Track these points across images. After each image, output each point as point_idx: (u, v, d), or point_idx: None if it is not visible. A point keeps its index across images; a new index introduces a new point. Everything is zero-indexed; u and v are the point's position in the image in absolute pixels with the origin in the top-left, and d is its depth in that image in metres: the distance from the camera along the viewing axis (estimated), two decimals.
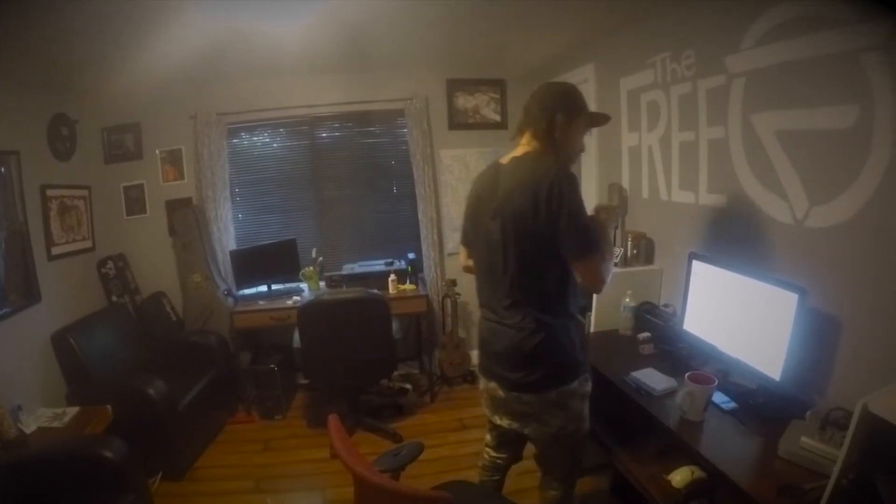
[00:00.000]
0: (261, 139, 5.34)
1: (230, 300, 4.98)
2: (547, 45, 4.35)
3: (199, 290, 4.96)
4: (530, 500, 3.29)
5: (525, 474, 3.61)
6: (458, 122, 5.29)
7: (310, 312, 4.06)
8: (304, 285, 5.15)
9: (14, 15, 2.66)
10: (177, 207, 5.16)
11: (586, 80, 4.23)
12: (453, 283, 5.03)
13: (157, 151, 5.10)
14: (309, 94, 5.01)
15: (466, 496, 2.56)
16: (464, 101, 5.24)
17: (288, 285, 5.18)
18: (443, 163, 5.23)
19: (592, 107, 4.15)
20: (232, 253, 5.07)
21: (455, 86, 5.21)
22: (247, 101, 4.99)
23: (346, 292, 4.18)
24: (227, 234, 5.18)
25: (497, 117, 5.31)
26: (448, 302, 5.07)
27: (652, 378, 2.61)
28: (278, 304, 4.81)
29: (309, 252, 5.23)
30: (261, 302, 4.90)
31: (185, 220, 4.99)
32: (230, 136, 5.11)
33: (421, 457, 2.40)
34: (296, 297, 4.85)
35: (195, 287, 4.96)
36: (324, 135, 5.31)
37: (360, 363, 4.09)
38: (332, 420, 2.13)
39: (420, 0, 3.16)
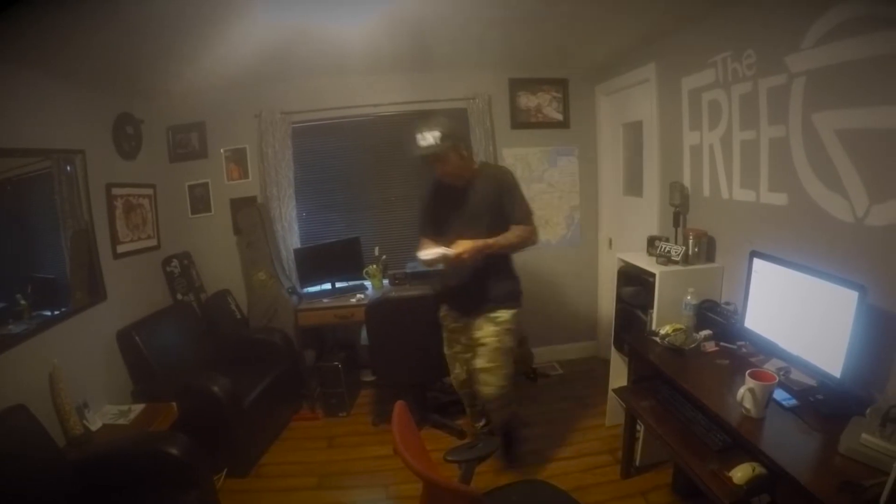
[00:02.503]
0: (325, 138, 5.39)
1: (294, 298, 5.06)
2: (608, 44, 4.38)
3: (264, 287, 5.02)
4: (592, 497, 3.36)
5: (587, 472, 3.67)
6: (521, 121, 5.34)
7: (378, 310, 4.16)
8: (367, 283, 5.23)
9: (79, 15, 2.71)
10: (241, 206, 5.20)
11: (647, 80, 4.25)
12: None
13: (221, 150, 5.20)
14: (372, 94, 5.09)
15: (538, 497, 2.60)
16: (526, 101, 5.29)
17: (351, 283, 5.27)
18: (505, 161, 5.26)
19: (654, 106, 4.21)
20: (296, 251, 5.21)
21: (517, 85, 5.26)
22: (311, 101, 5.07)
23: (414, 290, 4.23)
24: (291, 232, 5.26)
25: (559, 116, 5.34)
26: None
27: None
28: (342, 301, 4.91)
29: (371, 250, 5.31)
30: (325, 300, 5.01)
31: (250, 218, 5.05)
32: (294, 135, 5.18)
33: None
34: (359, 295, 4.94)
35: (260, 285, 5.03)
36: (387, 134, 5.33)
37: (426, 360, 4.15)
38: (399, 406, 2.21)
39: (479, 2, 3.22)
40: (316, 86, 5.04)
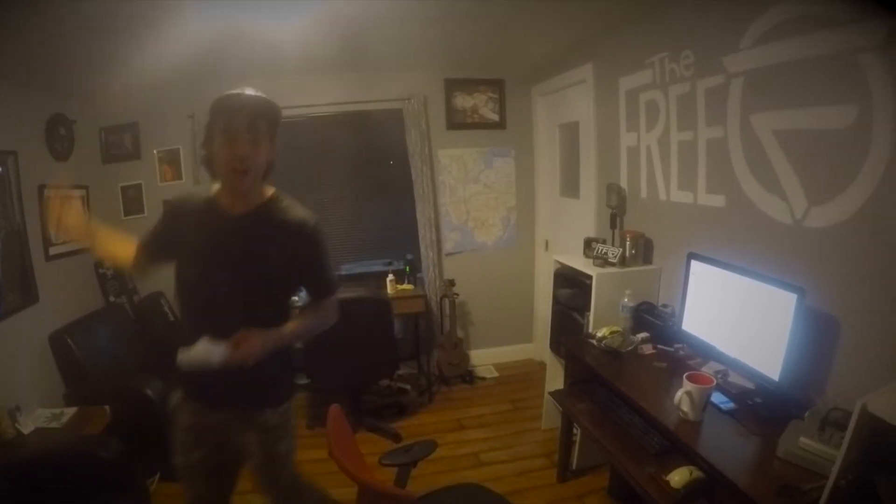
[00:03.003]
0: None
1: None
2: (545, 44, 4.34)
3: None
4: (528, 501, 3.32)
5: (522, 475, 3.64)
6: (457, 121, 5.26)
7: None
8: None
9: (10, 14, 2.65)
10: None
11: (584, 80, 4.24)
12: (452, 283, 5.03)
13: (155, 151, 5.06)
14: (306, 95, 4.96)
15: (473, 500, 2.57)
16: (462, 101, 5.22)
17: None
18: (441, 163, 5.21)
19: (591, 106, 4.18)
20: None
21: (453, 85, 5.19)
22: None
23: (349, 291, 4.15)
24: None
25: (495, 117, 5.29)
26: (446, 302, 5.07)
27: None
28: None
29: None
30: None
31: None
32: None
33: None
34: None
35: None
36: (321, 135, 5.23)
37: (362, 363, 4.08)
38: (334, 409, 2.14)
39: (417, 1, 3.15)
40: (249, 86, 4.85)
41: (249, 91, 1.92)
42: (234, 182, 1.91)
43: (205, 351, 1.88)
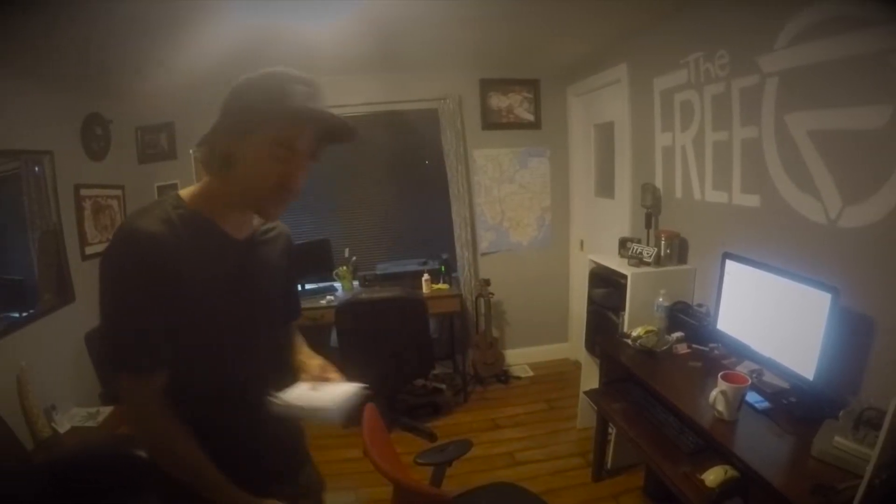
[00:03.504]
0: None
1: None
2: (579, 44, 4.36)
3: None
4: (563, 500, 3.33)
5: (557, 474, 3.66)
6: (492, 121, 5.29)
7: (348, 311, 4.10)
8: (337, 285, 5.18)
9: (47, 14, 2.67)
10: None
11: (619, 80, 4.24)
12: (487, 282, 5.07)
13: (190, 151, 5.09)
14: (343, 95, 4.95)
15: (508, 500, 2.59)
16: (497, 101, 5.25)
17: (321, 285, 5.19)
18: (476, 163, 5.25)
19: (626, 106, 4.18)
20: None
21: (488, 86, 5.22)
22: None
23: (384, 291, 4.19)
24: None
25: (531, 117, 5.31)
26: (482, 301, 5.11)
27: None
28: (312, 303, 4.76)
29: (342, 252, 5.26)
30: None
31: None
32: None
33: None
34: (329, 297, 4.87)
35: None
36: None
37: (398, 362, 4.11)
38: (369, 409, 2.17)
39: (453, 0, 3.17)
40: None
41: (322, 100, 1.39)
42: (277, 207, 1.40)
43: (331, 400, 1.44)
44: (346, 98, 4.98)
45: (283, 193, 1.35)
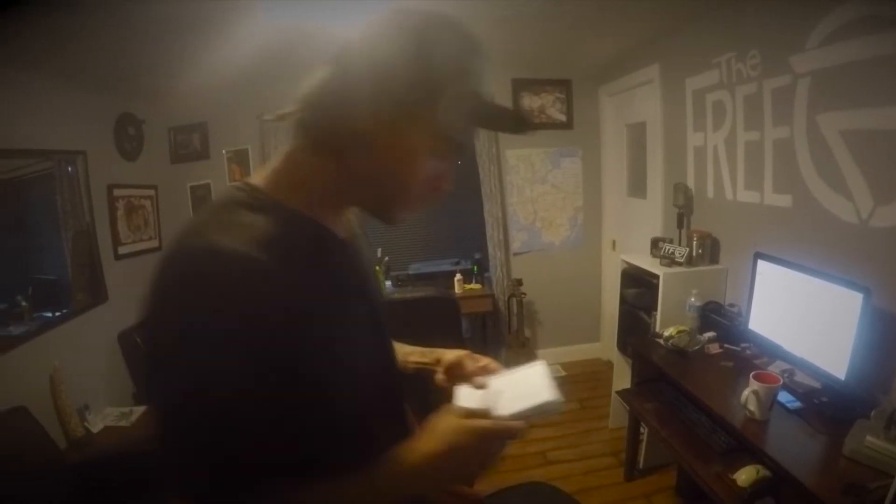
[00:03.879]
0: None
1: None
2: (612, 44, 4.36)
3: None
4: (596, 500, 3.34)
5: (589, 474, 3.67)
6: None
7: None
8: None
9: (79, 15, 2.68)
10: None
11: (651, 81, 4.24)
12: (519, 282, 5.09)
13: (223, 151, 5.13)
14: None
15: (541, 499, 2.60)
16: (529, 101, 5.25)
17: None
18: (508, 163, 5.26)
19: (658, 107, 4.20)
20: None
21: (520, 86, 5.22)
22: None
23: (417, 291, 4.21)
24: None
25: (563, 117, 5.31)
26: (514, 301, 5.13)
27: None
28: None
29: (374, 252, 5.26)
30: None
31: None
32: None
33: None
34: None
35: None
36: None
37: None
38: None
39: (486, 0, 3.19)
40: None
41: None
42: (412, 211, 1.01)
43: (546, 390, 1.22)
44: None
45: (434, 196, 0.99)
